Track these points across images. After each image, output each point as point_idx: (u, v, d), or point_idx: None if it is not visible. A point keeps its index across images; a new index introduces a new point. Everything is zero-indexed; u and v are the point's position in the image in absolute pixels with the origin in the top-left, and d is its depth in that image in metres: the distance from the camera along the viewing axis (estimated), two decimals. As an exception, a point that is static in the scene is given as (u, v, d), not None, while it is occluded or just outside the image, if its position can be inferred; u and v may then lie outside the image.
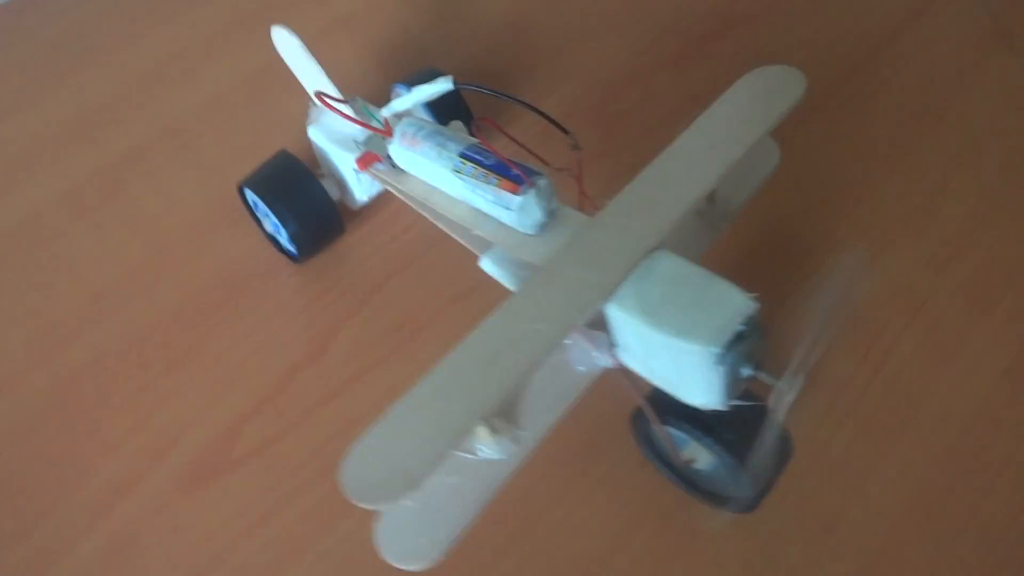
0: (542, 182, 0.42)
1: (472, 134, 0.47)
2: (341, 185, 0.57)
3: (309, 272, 0.58)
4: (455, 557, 0.39)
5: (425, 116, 0.55)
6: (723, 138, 0.44)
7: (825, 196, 0.59)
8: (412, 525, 0.40)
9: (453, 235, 0.48)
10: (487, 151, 0.44)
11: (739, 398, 0.39)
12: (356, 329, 0.56)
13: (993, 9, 0.69)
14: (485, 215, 0.45)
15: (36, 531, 0.50)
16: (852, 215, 0.58)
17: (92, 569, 0.48)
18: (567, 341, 0.40)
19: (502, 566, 0.47)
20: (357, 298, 0.57)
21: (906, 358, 0.52)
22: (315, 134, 0.55)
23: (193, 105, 0.68)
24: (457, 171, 0.44)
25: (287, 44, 0.53)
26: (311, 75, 0.53)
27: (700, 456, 0.45)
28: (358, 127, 0.52)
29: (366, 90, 0.57)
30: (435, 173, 0.46)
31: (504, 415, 0.40)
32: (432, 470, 0.34)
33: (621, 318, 0.39)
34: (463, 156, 0.44)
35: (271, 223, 0.56)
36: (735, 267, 0.44)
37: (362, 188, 0.56)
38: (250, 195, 0.56)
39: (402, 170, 0.49)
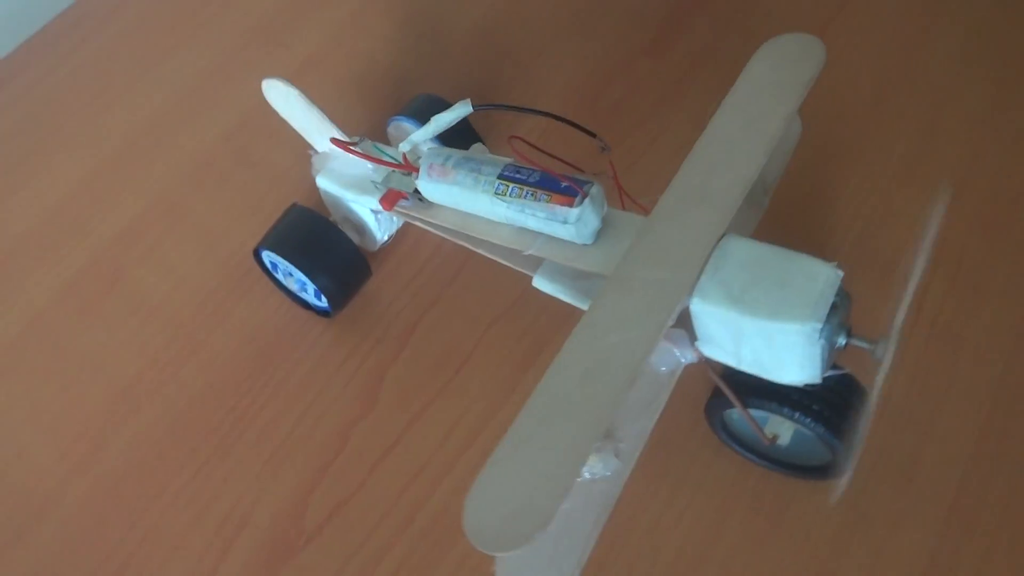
0: (594, 190, 0.41)
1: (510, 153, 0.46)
2: (359, 229, 0.55)
3: (339, 325, 0.56)
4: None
5: (434, 144, 0.54)
6: (757, 115, 0.44)
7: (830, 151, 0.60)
8: (533, 563, 0.38)
9: (498, 259, 0.47)
10: (526, 168, 0.43)
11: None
12: (401, 373, 0.54)
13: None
14: (534, 233, 0.44)
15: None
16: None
17: None
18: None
19: (608, 580, 0.46)
20: (395, 341, 0.55)
21: (939, 298, 0.53)
22: (325, 182, 0.53)
23: (177, 174, 0.65)
24: (499, 194, 0.43)
25: (282, 96, 0.51)
26: (313, 124, 0.51)
27: (782, 431, 0.45)
28: (371, 167, 0.50)
29: (355, 128, 0.55)
30: (473, 200, 0.45)
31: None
32: (560, 502, 0.33)
33: (707, 311, 0.38)
34: (503, 178, 0.43)
35: (296, 281, 0.54)
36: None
37: (382, 228, 0.55)
38: (268, 256, 0.54)
39: (430, 203, 0.48)
